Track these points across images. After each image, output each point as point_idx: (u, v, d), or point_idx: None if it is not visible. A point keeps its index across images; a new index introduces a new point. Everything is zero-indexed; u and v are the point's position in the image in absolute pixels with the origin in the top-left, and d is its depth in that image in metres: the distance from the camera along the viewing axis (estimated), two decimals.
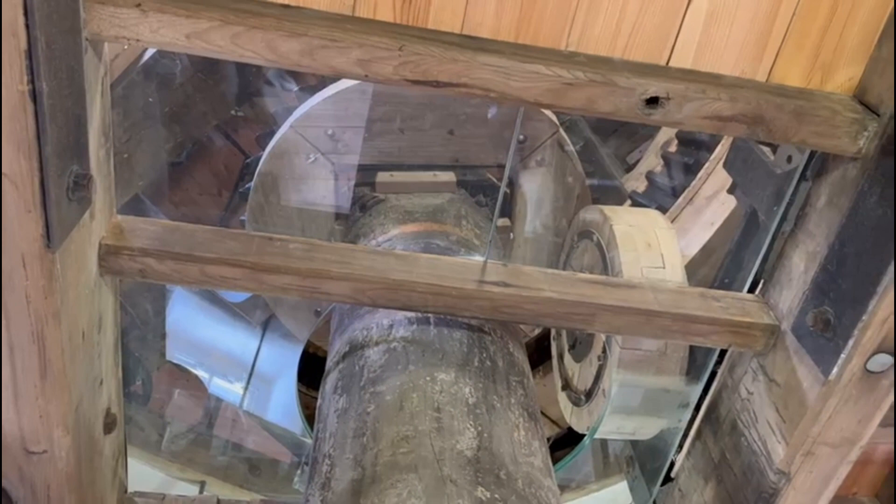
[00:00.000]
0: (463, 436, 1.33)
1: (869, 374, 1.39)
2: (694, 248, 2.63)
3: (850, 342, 1.35)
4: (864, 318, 1.32)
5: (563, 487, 3.77)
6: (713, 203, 2.70)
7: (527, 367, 1.76)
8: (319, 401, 1.64)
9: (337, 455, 1.37)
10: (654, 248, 1.93)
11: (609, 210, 2.11)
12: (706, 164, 2.78)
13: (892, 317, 1.31)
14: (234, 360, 3.88)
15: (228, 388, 3.88)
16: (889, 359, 1.37)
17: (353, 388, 1.51)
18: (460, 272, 1.55)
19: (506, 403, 1.49)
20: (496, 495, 1.21)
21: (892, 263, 1.27)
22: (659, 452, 2.01)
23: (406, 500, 1.17)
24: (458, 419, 1.36)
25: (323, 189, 2.25)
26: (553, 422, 2.89)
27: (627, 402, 1.88)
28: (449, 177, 2.31)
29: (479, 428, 1.36)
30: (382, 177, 2.26)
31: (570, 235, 2.37)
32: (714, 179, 2.73)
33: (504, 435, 1.39)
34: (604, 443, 3.61)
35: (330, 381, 1.63)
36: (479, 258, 1.66)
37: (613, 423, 1.91)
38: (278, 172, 2.22)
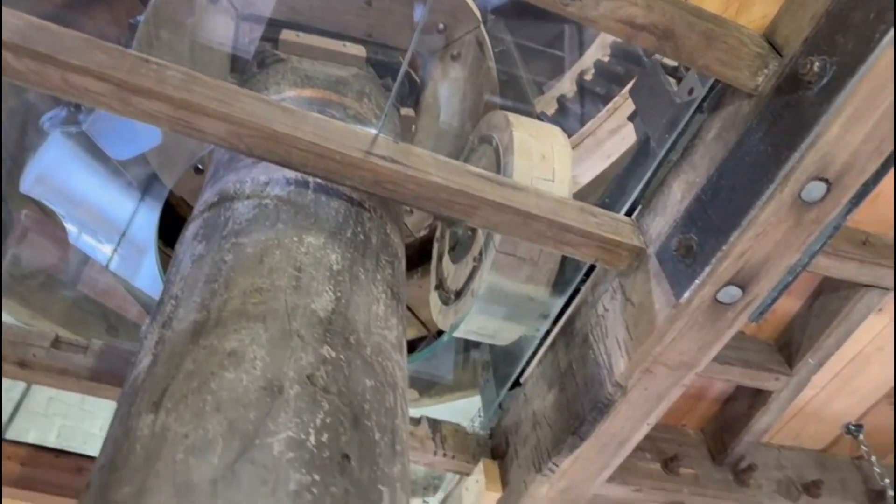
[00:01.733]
0: (320, 297, 1.30)
1: (717, 303, 1.46)
2: (588, 177, 2.67)
3: (707, 269, 1.40)
4: (724, 248, 1.37)
5: (422, 392, 3.87)
6: (614, 137, 2.74)
7: (401, 251, 1.74)
8: (177, 247, 1.57)
9: (184, 297, 1.31)
10: (548, 160, 1.93)
11: (513, 117, 2.08)
12: (615, 98, 2.79)
13: (750, 251, 1.37)
14: (106, 220, 3.68)
15: (96, 247, 3.68)
16: (738, 292, 1.44)
17: (215, 237, 1.44)
18: (349, 139, 1.49)
19: (371, 278, 1.47)
20: (341, 356, 1.20)
21: (762, 199, 1.31)
22: (513, 358, 2.07)
23: (248, 346, 1.14)
24: (318, 281, 1.33)
25: (221, 35, 2.08)
26: (421, 322, 2.93)
27: (492, 305, 1.91)
28: (359, 50, 2.19)
29: (339, 294, 1.33)
30: (287, 35, 2.11)
31: (472, 138, 2.34)
32: (620, 114, 2.76)
33: (363, 305, 1.37)
34: (466, 357, 3.71)
35: (192, 228, 1.55)
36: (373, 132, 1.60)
37: (476, 322, 1.94)
38: (174, 6, 2.03)
